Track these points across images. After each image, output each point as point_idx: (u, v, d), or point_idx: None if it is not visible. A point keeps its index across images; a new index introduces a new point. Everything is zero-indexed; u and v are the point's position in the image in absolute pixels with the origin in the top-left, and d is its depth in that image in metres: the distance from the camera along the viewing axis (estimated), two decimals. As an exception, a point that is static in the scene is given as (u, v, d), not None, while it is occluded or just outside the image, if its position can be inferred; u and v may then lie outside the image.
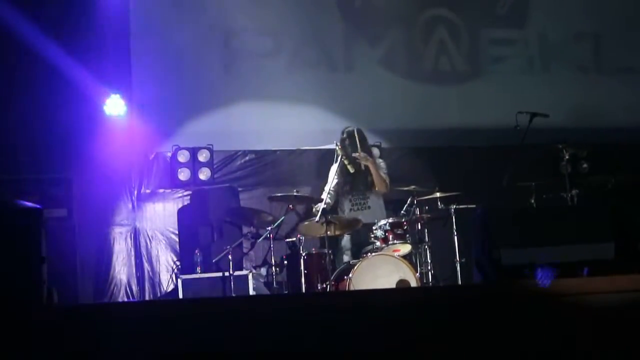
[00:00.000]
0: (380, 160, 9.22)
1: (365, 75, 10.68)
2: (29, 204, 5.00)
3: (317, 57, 10.60)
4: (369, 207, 8.87)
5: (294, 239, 8.46)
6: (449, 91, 10.89)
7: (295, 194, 8.62)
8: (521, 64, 11.15)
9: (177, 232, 9.80)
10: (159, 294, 9.70)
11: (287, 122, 10.26)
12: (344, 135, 8.91)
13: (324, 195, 8.58)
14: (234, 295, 8.26)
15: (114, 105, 9.79)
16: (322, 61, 10.62)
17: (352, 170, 8.68)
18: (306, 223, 8.39)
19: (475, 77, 11.04)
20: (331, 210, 8.70)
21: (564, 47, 11.23)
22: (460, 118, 10.74)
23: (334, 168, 8.72)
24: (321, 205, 8.26)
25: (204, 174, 9.91)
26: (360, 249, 8.58)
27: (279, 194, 8.86)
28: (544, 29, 11.22)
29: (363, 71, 10.70)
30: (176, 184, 9.99)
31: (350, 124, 9.12)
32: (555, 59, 11.23)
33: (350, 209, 8.84)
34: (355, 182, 8.87)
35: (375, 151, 9.50)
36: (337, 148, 8.57)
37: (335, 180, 8.75)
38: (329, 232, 8.13)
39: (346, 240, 8.80)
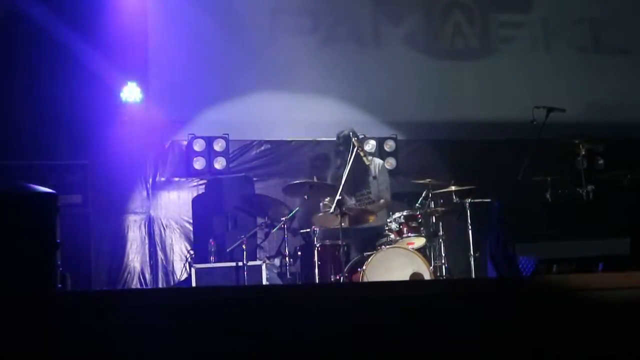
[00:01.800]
0: (382, 164, 9.02)
1: (389, 51, 10.88)
2: (44, 189, 5.01)
3: (346, 34, 10.76)
4: (373, 201, 8.81)
5: (308, 230, 8.43)
6: (463, 67, 11.08)
7: (311, 181, 8.60)
8: (528, 45, 11.31)
9: (191, 221, 9.81)
10: (172, 283, 9.72)
11: (303, 112, 10.27)
12: (340, 141, 8.83)
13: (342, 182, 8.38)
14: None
15: (131, 93, 9.80)
16: (351, 38, 10.78)
17: (367, 162, 8.60)
18: (320, 214, 8.37)
19: (487, 54, 11.24)
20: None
21: (568, 30, 11.38)
22: (474, 103, 10.85)
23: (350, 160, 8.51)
24: (336, 197, 8.22)
25: (219, 163, 9.93)
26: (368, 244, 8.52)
27: (296, 181, 8.76)
28: (548, 13, 11.36)
29: (388, 48, 10.91)
30: (191, 173, 10.02)
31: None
32: (559, 42, 11.36)
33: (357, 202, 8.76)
34: (358, 176, 8.70)
35: (377, 160, 9.08)
36: (353, 140, 8.51)
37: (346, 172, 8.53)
38: (343, 224, 8.10)
39: None
